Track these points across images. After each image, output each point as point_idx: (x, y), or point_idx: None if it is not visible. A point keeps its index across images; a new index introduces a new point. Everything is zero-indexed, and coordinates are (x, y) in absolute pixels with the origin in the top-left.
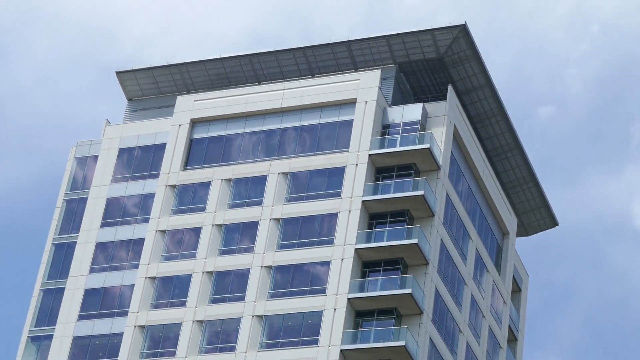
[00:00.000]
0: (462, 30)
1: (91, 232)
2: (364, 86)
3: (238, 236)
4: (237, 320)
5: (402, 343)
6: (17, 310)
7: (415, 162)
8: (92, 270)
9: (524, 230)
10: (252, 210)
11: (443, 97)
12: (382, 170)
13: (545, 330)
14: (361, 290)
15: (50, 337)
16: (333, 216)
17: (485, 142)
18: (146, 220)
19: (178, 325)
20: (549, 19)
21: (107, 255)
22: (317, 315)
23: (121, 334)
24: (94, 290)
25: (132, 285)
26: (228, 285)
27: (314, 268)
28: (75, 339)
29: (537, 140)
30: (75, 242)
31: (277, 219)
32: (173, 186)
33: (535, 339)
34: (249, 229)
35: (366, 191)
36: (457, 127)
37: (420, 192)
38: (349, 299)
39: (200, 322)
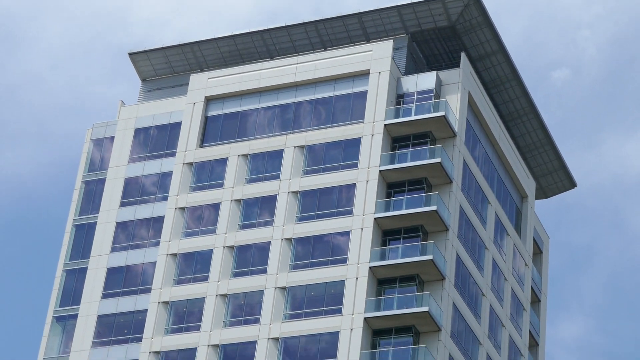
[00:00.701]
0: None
1: (111, 212)
2: (377, 57)
3: (257, 210)
4: (260, 293)
5: (425, 309)
6: (41, 292)
7: (430, 130)
8: (113, 250)
9: (543, 193)
10: (270, 185)
11: (456, 65)
12: (398, 139)
13: (568, 290)
14: (382, 258)
15: (75, 316)
16: (351, 187)
17: (500, 107)
18: (165, 198)
19: (201, 300)
20: None
21: (127, 234)
22: (340, 285)
23: (145, 311)
24: (117, 268)
25: (154, 263)
26: (249, 259)
27: (334, 238)
28: (100, 317)
29: (552, 104)
30: (95, 223)
31: (296, 192)
32: (190, 164)
33: (558, 299)
34: (268, 203)
35: (383, 161)
36: (472, 94)
37: (437, 160)
38: (370, 267)
39: (224, 296)
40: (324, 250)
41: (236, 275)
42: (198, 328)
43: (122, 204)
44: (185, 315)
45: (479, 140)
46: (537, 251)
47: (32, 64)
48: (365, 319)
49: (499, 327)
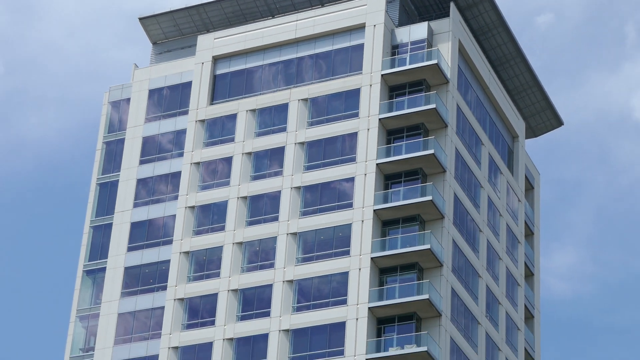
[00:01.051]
0: None
1: (131, 170)
2: (371, 10)
3: (267, 162)
4: (274, 239)
5: (427, 246)
6: (71, 248)
7: (425, 78)
8: (135, 205)
9: (532, 132)
10: (278, 137)
11: (446, 15)
12: (394, 88)
13: (559, 223)
14: (385, 201)
15: (103, 269)
16: (353, 135)
17: (489, 53)
18: (181, 155)
19: (219, 249)
20: None
21: (148, 190)
22: (347, 228)
23: (168, 261)
24: (139, 223)
25: (174, 216)
26: (262, 208)
27: (340, 185)
28: (127, 269)
29: (538, 48)
30: (117, 181)
31: (302, 143)
32: (202, 121)
33: (550, 232)
34: (277, 155)
35: (382, 109)
36: (462, 42)
37: (433, 106)
38: (374, 210)
39: (240, 243)
40: (330, 196)
41: (250, 224)
42: (218, 275)
43: (142, 162)
44: (206, 264)
45: (471, 86)
46: (529, 187)
47: (50, 34)
48: (372, 258)
49: (496, 260)
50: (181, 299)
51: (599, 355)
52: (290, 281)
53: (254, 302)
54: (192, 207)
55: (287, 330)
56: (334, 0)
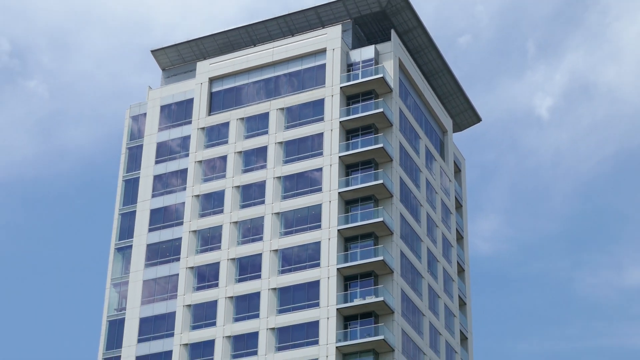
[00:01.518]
0: None
1: (149, 169)
2: (331, 38)
3: (254, 158)
4: (262, 218)
5: (380, 219)
6: (104, 231)
7: (374, 89)
8: (153, 196)
9: (458, 127)
10: (262, 139)
11: (388, 39)
12: (351, 97)
13: (481, 197)
14: (347, 185)
15: (130, 246)
16: (320, 135)
17: (422, 67)
18: (187, 155)
19: (220, 227)
20: None
21: (162, 184)
22: (318, 208)
23: (180, 238)
24: (157, 209)
25: (183, 203)
26: (252, 194)
27: (311, 174)
28: (148, 245)
29: (460, 61)
30: (138, 177)
31: (281, 142)
32: (203, 128)
33: (475, 204)
34: (261, 152)
35: (341, 114)
36: (401, 59)
37: (380, 110)
38: (339, 192)
39: (236, 222)
40: (304, 183)
41: (243, 207)
42: (219, 247)
43: (157, 162)
44: (209, 239)
45: (409, 93)
46: (457, 170)
47: (83, 65)
48: (338, 230)
49: (434, 228)
50: (191, 267)
51: (515, 297)
52: (276, 250)
53: (248, 267)
54: (197, 196)
55: (274, 289)
56: (302, 31)
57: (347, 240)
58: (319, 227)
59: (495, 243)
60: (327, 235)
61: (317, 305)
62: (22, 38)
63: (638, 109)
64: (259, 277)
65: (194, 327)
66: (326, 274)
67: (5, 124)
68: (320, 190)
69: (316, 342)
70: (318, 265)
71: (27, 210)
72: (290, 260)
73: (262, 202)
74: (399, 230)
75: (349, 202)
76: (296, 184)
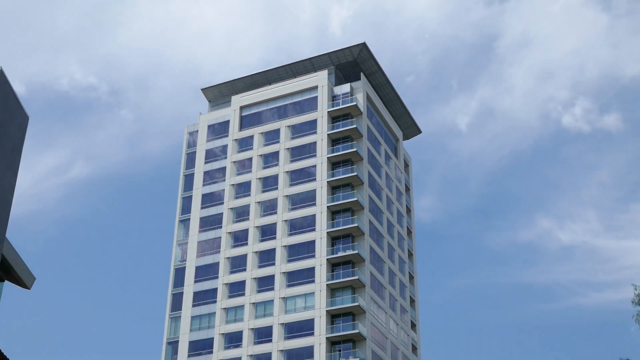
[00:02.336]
0: (364, 46)
1: (200, 167)
2: (321, 79)
3: (270, 159)
4: (275, 200)
5: (355, 199)
6: (171, 209)
7: (350, 112)
8: (204, 185)
9: (406, 137)
10: (276, 146)
11: (359, 79)
12: (334, 118)
13: (423, 183)
14: (332, 174)
15: (188, 219)
16: (314, 144)
17: (381, 97)
18: (225, 157)
19: (248, 206)
20: (390, 33)
21: (209, 177)
22: (312, 193)
23: (221, 213)
24: (206, 194)
25: (224, 190)
26: (270, 182)
27: (309, 170)
28: (201, 218)
29: (407, 92)
30: (193, 172)
31: (288, 148)
32: (236, 140)
33: (418, 188)
34: (275, 155)
35: (329, 129)
36: (368, 92)
37: (354, 126)
38: (328, 181)
39: (259, 202)
40: (303, 174)
41: (264, 192)
42: (248, 219)
43: (205, 162)
44: (241, 214)
45: (373, 114)
46: (406, 166)
47: (156, 98)
48: (327, 207)
49: (391, 204)
50: (229, 232)
51: (444, 250)
52: (286, 220)
53: (267, 232)
54: (233, 185)
55: (285, 246)
56: (301, 74)
57: (334, 213)
58: (314, 204)
59: (431, 213)
60: (320, 210)
61: (313, 256)
62: (116, 81)
63: (524, 125)
64: (274, 238)
65: (232, 272)
66: (319, 235)
67: (105, 139)
68: (314, 176)
69: (312, 281)
70: (313, 229)
71: (120, 196)
72: (296, 226)
73: (276, 188)
74: (367, 206)
75: (334, 188)
76: (299, 175)
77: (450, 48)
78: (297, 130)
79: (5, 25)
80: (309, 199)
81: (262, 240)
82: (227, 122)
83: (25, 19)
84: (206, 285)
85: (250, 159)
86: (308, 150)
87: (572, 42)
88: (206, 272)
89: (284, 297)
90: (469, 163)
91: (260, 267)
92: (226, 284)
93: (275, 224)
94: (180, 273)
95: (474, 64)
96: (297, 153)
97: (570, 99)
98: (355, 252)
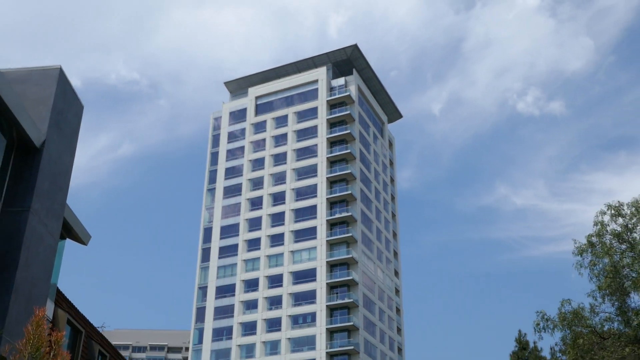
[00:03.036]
0: (356, 47)
1: (223, 146)
2: (321, 73)
3: (280, 139)
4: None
5: (349, 171)
6: (200, 180)
7: (344, 101)
8: (226, 160)
9: (390, 120)
10: (284, 129)
11: (351, 74)
12: (332, 106)
13: (404, 158)
14: (330, 154)
15: (214, 188)
16: (315, 127)
17: (370, 88)
18: (244, 138)
19: (262, 177)
20: (406, 37)
21: (232, 154)
22: (314, 168)
23: (241, 183)
24: (229, 168)
25: (242, 164)
26: (280, 159)
27: (311, 147)
28: (225, 187)
29: (391, 85)
30: (218, 151)
31: (295, 131)
32: (252, 124)
33: (401, 162)
34: (284, 137)
35: (327, 114)
36: (359, 85)
37: (348, 112)
38: (327, 157)
39: (271, 174)
40: (306, 152)
41: (275, 165)
42: (262, 187)
43: (228, 142)
44: (257, 184)
45: (363, 102)
46: (390, 144)
47: (188, 91)
48: (327, 177)
49: (379, 176)
50: (248, 199)
51: (422, 212)
52: (293, 189)
53: (279, 198)
54: (250, 160)
55: (292, 210)
56: (305, 70)
57: (332, 183)
58: (315, 175)
59: (411, 183)
60: (320, 180)
61: (315, 218)
62: (154, 76)
63: (486, 110)
64: (284, 203)
65: (249, 231)
66: (320, 201)
67: (145, 123)
68: (316, 154)
69: (314, 238)
70: (315, 196)
71: (158, 169)
72: (301, 193)
73: (285, 163)
74: (359, 176)
75: (332, 163)
76: (303, 153)
77: (426, 48)
78: (302, 116)
79: (64, 31)
80: (311, 171)
81: (274, 205)
82: (245, 109)
83: (80, 25)
84: (229, 241)
85: (264, 140)
86: (311, 132)
87: (524, 43)
88: (229, 231)
89: (292, 251)
90: (441, 142)
91: (272, 226)
92: (245, 240)
93: (284, 191)
94: (208, 232)
95: (445, 61)
96: (302, 134)
97: (523, 89)
98: (350, 214)
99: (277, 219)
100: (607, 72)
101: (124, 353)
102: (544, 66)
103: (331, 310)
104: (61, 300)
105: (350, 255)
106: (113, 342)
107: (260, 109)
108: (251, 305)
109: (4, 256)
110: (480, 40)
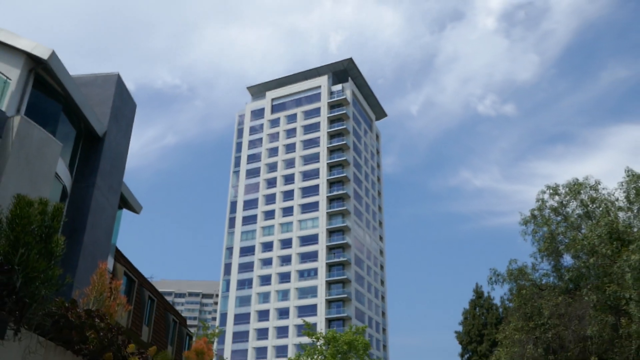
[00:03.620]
0: (351, 60)
1: (246, 137)
2: (323, 81)
3: (291, 131)
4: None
5: (345, 158)
6: (227, 163)
7: (341, 103)
8: (248, 149)
9: (377, 118)
10: (294, 124)
11: (347, 81)
12: (332, 106)
13: (388, 149)
14: (330, 143)
15: (238, 170)
16: (317, 124)
17: (362, 92)
18: (262, 131)
19: (276, 163)
20: (380, 45)
21: (252, 144)
22: (316, 153)
23: (260, 167)
24: (250, 155)
25: (260, 152)
26: (292, 146)
27: (313, 140)
28: (247, 170)
29: (379, 90)
30: (242, 141)
31: (303, 126)
32: (269, 120)
33: (385, 151)
34: (293, 130)
35: (328, 113)
36: (353, 90)
37: (345, 111)
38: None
39: (284, 160)
40: (310, 144)
41: (287, 152)
42: (276, 170)
43: (250, 135)
44: (273, 168)
45: (357, 104)
46: (377, 137)
47: (218, 93)
48: (327, 147)
49: (368, 161)
50: (265, 179)
51: (402, 191)
52: (301, 172)
53: (289, 179)
54: (267, 149)
55: (300, 188)
56: (310, 77)
57: (331, 167)
58: (318, 161)
59: (394, 168)
60: (322, 165)
61: (317, 194)
62: (192, 82)
63: (453, 111)
64: (292, 182)
65: (266, 204)
66: (321, 181)
67: (185, 119)
68: (318, 145)
69: (317, 210)
70: (317, 177)
71: (195, 156)
72: (306, 175)
73: (294, 151)
74: (352, 162)
75: (331, 151)
76: (309, 143)
77: (406, 61)
78: (308, 114)
79: (122, 45)
80: (315, 158)
81: (285, 184)
82: (263, 109)
83: (134, 41)
84: (250, 212)
85: (278, 133)
86: (314, 127)
87: (484, 58)
88: (250, 204)
89: (299, 220)
90: (417, 136)
91: (284, 201)
92: (263, 211)
93: (293, 173)
94: (234, 205)
95: (421, 72)
96: (308, 129)
97: (483, 94)
98: (345, 192)
99: (288, 195)
100: (550, 82)
101: (167, 298)
102: (499, 76)
103: (330, 266)
104: (119, 257)
105: (345, 224)
106: (159, 290)
107: (275, 109)
108: (267, 262)
109: (74, 222)
110: (449, 56)
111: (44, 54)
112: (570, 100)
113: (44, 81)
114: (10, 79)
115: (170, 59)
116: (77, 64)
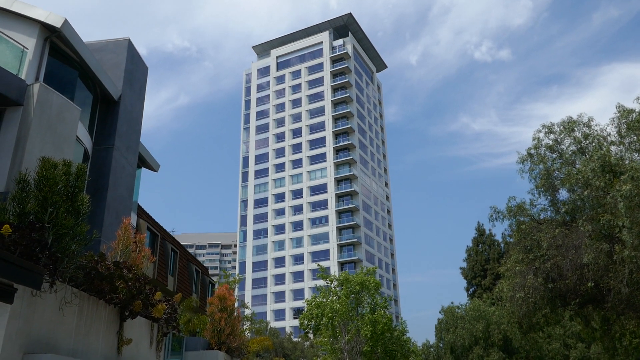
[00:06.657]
0: (351, 15)
1: (254, 95)
2: (325, 36)
3: (297, 89)
4: (299, 98)
5: (349, 110)
6: (236, 120)
7: (343, 57)
8: (257, 105)
9: (377, 70)
10: (299, 80)
11: (347, 36)
12: (334, 61)
13: (390, 99)
14: (334, 98)
15: (248, 127)
16: (321, 79)
17: (362, 46)
18: (269, 88)
19: (283, 118)
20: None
21: (260, 100)
22: (321, 86)
23: (268, 123)
24: (259, 111)
25: (269, 108)
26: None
27: (317, 100)
28: (257, 126)
29: (378, 43)
30: (250, 99)
31: (307, 81)
32: (275, 77)
33: (387, 102)
34: (299, 86)
35: (331, 68)
36: (354, 44)
37: (346, 65)
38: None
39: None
40: (315, 113)
41: (294, 108)
42: (284, 125)
43: (257, 91)
44: (281, 122)
45: (357, 57)
46: (379, 88)
47: (226, 54)
48: (332, 117)
49: (371, 112)
50: (274, 134)
51: (405, 138)
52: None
53: (296, 147)
54: (274, 105)
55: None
56: (313, 34)
57: (336, 119)
58: (323, 114)
59: (395, 116)
60: (327, 118)
61: (324, 146)
62: (201, 44)
63: (450, 59)
64: (300, 136)
65: (276, 157)
66: (328, 133)
67: (195, 80)
68: (323, 112)
69: (324, 160)
70: (324, 130)
71: (207, 114)
72: (313, 128)
73: (300, 106)
74: (356, 114)
75: (336, 104)
76: (314, 97)
77: (404, 14)
78: (312, 70)
79: (131, 11)
80: (320, 111)
81: (293, 138)
82: (269, 66)
83: (143, 7)
84: (261, 166)
85: (284, 89)
86: (318, 82)
87: (478, 6)
88: (261, 158)
89: (309, 171)
90: (417, 85)
91: (293, 153)
92: (273, 164)
93: (300, 127)
94: (246, 160)
95: (418, 23)
96: (312, 84)
97: (479, 41)
98: (350, 142)
99: (297, 148)
100: (542, 25)
101: (189, 250)
102: (494, 23)
103: (339, 213)
104: (142, 213)
105: (352, 173)
106: (181, 242)
107: (280, 66)
108: (280, 212)
109: (97, 181)
110: (445, 7)
111: (57, 22)
112: (563, 42)
113: (59, 49)
114: (27, 49)
115: (178, 22)
116: (89, 32)
